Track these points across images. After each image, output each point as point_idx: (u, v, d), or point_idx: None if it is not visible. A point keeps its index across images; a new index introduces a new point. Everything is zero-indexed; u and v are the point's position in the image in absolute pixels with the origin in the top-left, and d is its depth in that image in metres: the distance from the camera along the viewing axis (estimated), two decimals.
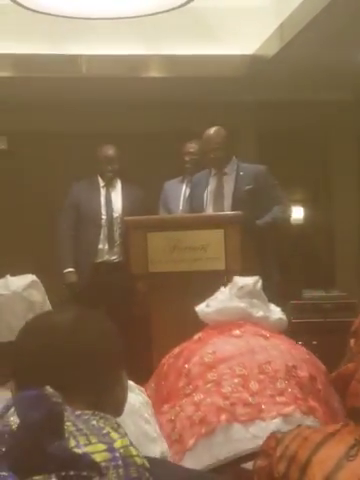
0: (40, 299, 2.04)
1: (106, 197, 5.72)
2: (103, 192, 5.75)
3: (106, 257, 5.61)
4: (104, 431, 0.97)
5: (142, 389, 1.90)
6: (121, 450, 0.93)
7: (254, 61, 6.24)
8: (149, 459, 1.08)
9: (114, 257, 5.60)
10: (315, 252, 7.42)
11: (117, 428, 1.00)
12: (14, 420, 0.92)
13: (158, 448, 1.73)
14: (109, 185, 5.75)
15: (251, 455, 1.73)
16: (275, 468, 1.47)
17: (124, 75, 6.33)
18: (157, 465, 1.13)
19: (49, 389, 1.02)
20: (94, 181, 5.81)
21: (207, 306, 3.25)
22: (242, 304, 3.06)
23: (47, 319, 1.41)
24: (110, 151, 5.81)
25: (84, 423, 0.98)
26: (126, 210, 5.54)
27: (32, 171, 7.02)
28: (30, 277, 2.42)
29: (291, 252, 6.82)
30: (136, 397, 1.79)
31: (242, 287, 3.14)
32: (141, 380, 2.85)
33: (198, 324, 3.31)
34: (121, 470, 0.91)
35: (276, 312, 3.17)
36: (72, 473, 0.87)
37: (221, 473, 1.73)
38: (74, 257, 5.61)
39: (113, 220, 5.62)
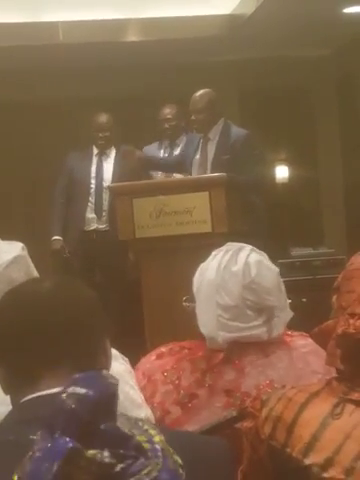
0: (22, 276, 1.97)
1: (97, 166, 5.69)
2: (95, 161, 5.71)
3: (95, 226, 5.60)
4: (144, 427, 1.01)
5: (126, 359, 1.89)
6: (160, 444, 0.97)
7: (232, 20, 6.21)
8: (163, 429, 1.10)
9: (103, 226, 5.59)
10: (302, 211, 7.42)
11: (154, 427, 1.03)
12: (73, 396, 0.95)
13: (143, 413, 1.73)
14: (102, 154, 5.71)
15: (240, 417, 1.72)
16: (261, 429, 1.48)
17: (102, 40, 6.29)
18: (170, 433, 1.14)
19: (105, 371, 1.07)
20: (88, 150, 5.76)
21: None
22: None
23: (25, 291, 1.37)
24: (101, 118, 5.74)
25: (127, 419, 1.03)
26: (116, 179, 5.51)
27: (12, 140, 7.00)
28: (15, 250, 2.34)
29: (278, 211, 6.82)
30: (120, 366, 1.79)
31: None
32: (133, 345, 2.85)
33: (186, 287, 3.30)
34: (160, 460, 0.94)
35: None
36: (121, 451, 0.92)
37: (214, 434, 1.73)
38: (63, 225, 5.59)
39: (102, 189, 5.59)
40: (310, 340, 1.90)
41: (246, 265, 2.03)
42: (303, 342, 2.05)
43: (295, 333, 2.11)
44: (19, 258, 2.16)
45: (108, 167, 5.68)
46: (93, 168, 5.69)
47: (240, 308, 2.01)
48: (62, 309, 1.31)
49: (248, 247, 2.11)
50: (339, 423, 1.41)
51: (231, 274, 2.03)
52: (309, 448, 1.41)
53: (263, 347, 2.03)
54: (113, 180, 5.52)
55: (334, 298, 1.55)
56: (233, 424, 1.75)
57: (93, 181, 5.64)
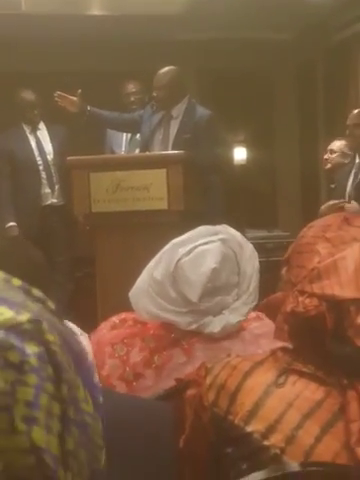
0: None
1: (36, 142, 5.65)
2: (32, 137, 5.67)
3: (50, 201, 5.58)
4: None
5: (85, 334, 1.88)
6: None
7: None
8: (107, 391, 1.06)
9: (57, 200, 5.58)
10: (258, 193, 7.45)
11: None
12: None
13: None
14: (35, 129, 5.67)
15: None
16: (205, 396, 1.49)
17: (64, 12, 6.22)
18: (114, 396, 1.13)
19: None
20: (20, 129, 5.69)
21: None
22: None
23: None
24: (30, 96, 5.67)
25: None
26: (56, 151, 5.52)
27: None
28: None
29: (235, 193, 6.84)
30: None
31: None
32: (87, 320, 2.83)
33: (141, 263, 3.30)
34: None
35: None
36: None
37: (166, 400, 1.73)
38: (15, 209, 5.53)
39: (48, 163, 5.57)
40: (264, 322, 1.91)
41: (192, 249, 2.00)
42: (257, 324, 2.02)
43: (252, 314, 2.05)
44: None
45: (45, 141, 5.65)
46: (33, 145, 5.65)
47: (165, 286, 1.99)
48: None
49: (223, 236, 2.05)
50: (282, 392, 1.43)
51: (175, 252, 2.02)
52: (251, 416, 1.42)
53: (215, 335, 1.99)
54: (54, 152, 5.51)
55: (284, 270, 1.56)
56: (177, 394, 1.75)
57: (38, 158, 5.60)
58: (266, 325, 1.78)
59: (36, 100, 5.65)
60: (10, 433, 0.61)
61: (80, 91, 4.93)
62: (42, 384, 0.63)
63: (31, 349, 0.64)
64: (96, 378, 0.77)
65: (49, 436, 0.63)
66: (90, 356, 1.89)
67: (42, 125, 5.68)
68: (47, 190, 5.57)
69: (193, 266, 1.97)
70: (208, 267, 1.97)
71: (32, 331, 0.65)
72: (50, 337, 0.65)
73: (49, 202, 5.58)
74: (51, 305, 0.77)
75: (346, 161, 5.36)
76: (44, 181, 5.56)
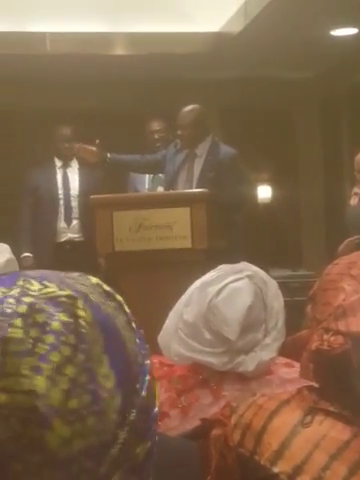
0: None
1: (63, 176, 5.75)
2: (60, 172, 5.76)
3: (68, 235, 5.63)
4: None
5: None
6: None
7: (219, 38, 6.27)
8: None
9: (76, 235, 5.63)
10: (282, 231, 7.45)
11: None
12: None
13: None
14: (66, 165, 5.74)
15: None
16: (230, 437, 1.48)
17: (89, 53, 6.32)
18: None
19: None
20: (50, 163, 5.81)
21: None
22: None
23: None
24: (67, 130, 5.79)
25: None
26: (84, 188, 5.58)
27: None
28: (5, 253, 2.37)
29: (259, 231, 6.84)
30: None
31: None
32: None
33: (164, 302, 3.30)
34: None
35: None
36: None
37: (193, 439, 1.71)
38: (33, 241, 5.59)
39: (70, 198, 5.64)
40: (294, 368, 1.88)
41: (223, 287, 1.98)
42: (286, 370, 1.99)
43: (282, 360, 2.04)
44: (11, 261, 2.21)
45: (73, 177, 5.74)
46: (59, 179, 5.74)
47: (198, 327, 1.96)
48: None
49: (249, 272, 2.03)
50: (309, 432, 1.42)
51: (206, 292, 1.99)
52: (278, 456, 1.41)
53: (245, 375, 1.97)
54: (80, 189, 5.58)
55: (309, 308, 1.56)
56: (202, 434, 1.74)
57: (60, 191, 5.70)
58: (295, 372, 1.75)
59: (70, 134, 5.74)
60: (16, 375, 0.65)
61: (98, 141, 4.98)
62: (58, 345, 0.67)
63: (58, 316, 0.69)
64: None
65: (52, 387, 0.66)
66: None
67: (75, 162, 5.75)
68: (63, 224, 5.63)
69: (228, 305, 1.96)
70: (244, 304, 1.96)
71: (67, 304, 0.71)
72: (82, 313, 0.70)
73: (67, 237, 5.64)
74: (125, 308, 0.83)
75: None
76: (61, 215, 5.63)
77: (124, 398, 0.72)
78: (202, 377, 2.00)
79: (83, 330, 0.69)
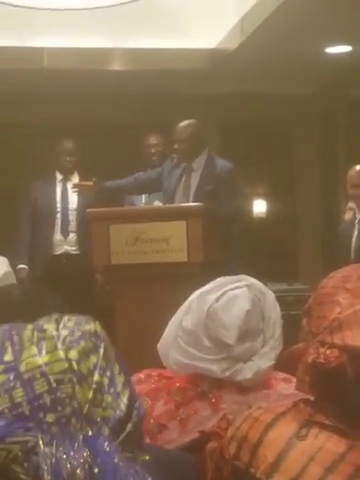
0: None
1: (62, 190, 5.77)
2: (60, 185, 5.79)
3: (65, 248, 5.64)
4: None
5: None
6: None
7: (216, 54, 6.29)
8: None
9: (72, 248, 5.63)
10: (278, 245, 7.45)
11: None
12: None
13: None
14: (66, 179, 5.76)
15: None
16: (226, 449, 1.48)
17: (87, 68, 6.35)
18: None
19: None
20: (51, 177, 5.84)
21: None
22: None
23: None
24: (68, 144, 5.83)
25: None
26: (82, 202, 5.59)
27: None
28: (3, 266, 2.40)
29: (255, 245, 6.85)
30: None
31: None
32: None
33: (161, 316, 3.30)
34: None
35: None
36: None
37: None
38: (29, 252, 5.61)
39: (68, 211, 5.66)
40: (292, 384, 1.88)
41: (222, 295, 1.98)
42: (285, 385, 1.99)
43: (280, 376, 2.04)
44: (8, 274, 2.24)
45: (73, 193, 5.73)
46: (58, 192, 5.77)
47: (197, 335, 1.96)
48: (26, 311, 1.34)
49: (247, 282, 2.04)
50: (304, 445, 1.42)
51: (204, 300, 1.99)
52: (273, 469, 1.41)
53: (242, 385, 1.97)
54: (79, 203, 5.60)
55: (304, 321, 1.55)
56: (200, 447, 1.73)
57: (59, 205, 5.73)
58: (293, 387, 1.76)
59: (71, 148, 5.78)
60: (54, 350, 0.80)
61: (95, 179, 5.11)
62: (86, 338, 0.85)
63: (87, 325, 0.89)
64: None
65: (82, 361, 0.81)
66: None
67: (75, 176, 5.77)
68: (60, 237, 5.64)
69: (226, 310, 1.97)
70: (242, 309, 1.97)
71: (91, 321, 0.90)
72: (100, 330, 0.90)
73: (63, 250, 5.64)
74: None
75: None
76: (58, 228, 5.64)
77: (130, 398, 0.85)
78: (201, 389, 1.99)
79: (102, 335, 0.86)
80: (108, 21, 5.75)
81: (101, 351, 0.84)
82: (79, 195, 5.67)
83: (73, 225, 5.66)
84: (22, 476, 0.69)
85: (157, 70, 6.37)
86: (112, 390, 0.82)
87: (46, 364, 0.77)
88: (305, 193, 7.73)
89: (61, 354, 0.79)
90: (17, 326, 0.83)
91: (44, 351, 0.79)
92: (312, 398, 1.49)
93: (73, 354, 0.80)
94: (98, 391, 0.80)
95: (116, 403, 0.82)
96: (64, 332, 0.83)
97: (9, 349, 0.79)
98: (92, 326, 0.87)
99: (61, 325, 0.84)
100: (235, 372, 1.96)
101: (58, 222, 5.68)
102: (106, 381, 0.82)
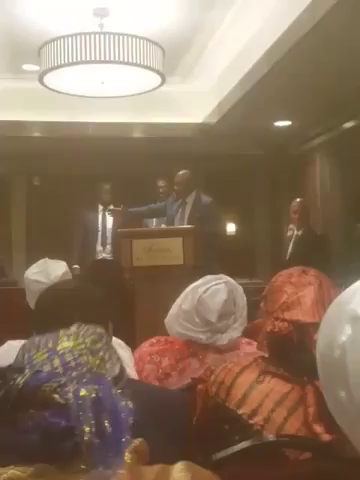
0: None
1: (102, 216, 5.76)
2: (101, 213, 5.78)
3: (103, 255, 5.63)
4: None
5: (129, 348, 1.86)
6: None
7: (202, 127, 6.29)
8: (132, 380, 1.10)
9: (108, 255, 5.63)
10: (243, 253, 7.43)
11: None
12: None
13: None
14: (105, 209, 5.76)
15: None
16: (209, 390, 1.47)
17: (117, 135, 6.34)
18: (137, 384, 1.13)
19: None
20: (95, 208, 5.82)
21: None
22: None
23: (59, 287, 1.42)
24: (106, 186, 5.83)
25: None
26: (115, 224, 5.57)
27: (57, 197, 7.04)
28: (62, 267, 2.36)
29: (227, 253, 6.82)
30: (124, 353, 1.77)
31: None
32: (127, 339, 2.79)
33: (166, 301, 3.28)
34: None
35: None
36: None
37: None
38: (81, 257, 5.61)
39: (106, 231, 5.66)
40: (252, 346, 1.87)
41: (208, 288, 1.97)
42: (248, 347, 1.97)
43: (245, 340, 2.03)
44: (66, 273, 2.23)
45: (109, 217, 5.73)
46: (99, 218, 5.75)
47: (191, 314, 1.95)
48: (79, 304, 1.32)
49: (225, 280, 2.03)
50: (261, 387, 1.41)
51: (196, 292, 1.99)
52: (241, 403, 1.40)
53: (220, 348, 1.95)
54: (113, 225, 5.60)
55: (262, 304, 1.55)
56: (192, 388, 1.72)
57: (100, 226, 5.71)
58: (253, 348, 1.75)
59: (108, 189, 5.79)
60: (76, 339, 0.90)
61: (122, 206, 5.09)
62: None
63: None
64: None
65: (93, 344, 0.89)
66: (131, 362, 1.87)
67: (111, 207, 5.74)
68: (100, 248, 5.64)
69: (211, 299, 1.96)
70: (221, 298, 1.97)
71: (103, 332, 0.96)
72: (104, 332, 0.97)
73: (102, 256, 5.63)
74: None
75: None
76: (99, 241, 5.64)
77: (121, 367, 0.96)
78: (192, 350, 1.98)
79: (103, 333, 0.94)
80: (131, 103, 5.76)
81: (103, 340, 0.92)
82: (113, 219, 5.66)
83: (109, 240, 5.64)
84: (59, 400, 0.73)
85: (163, 137, 6.37)
86: (110, 362, 0.90)
87: (72, 346, 0.86)
88: (260, 219, 7.73)
89: (80, 341, 0.87)
90: (56, 332, 0.91)
91: (71, 340, 0.87)
92: (267, 355, 1.48)
93: (87, 340, 0.88)
94: (102, 361, 0.87)
95: (112, 369, 0.90)
96: (82, 331, 0.91)
97: (51, 341, 0.87)
98: (98, 329, 0.94)
99: (80, 328, 0.91)
100: (216, 339, 1.96)
101: (99, 237, 5.67)
102: (107, 356, 0.90)
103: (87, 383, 0.76)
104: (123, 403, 0.76)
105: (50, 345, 0.85)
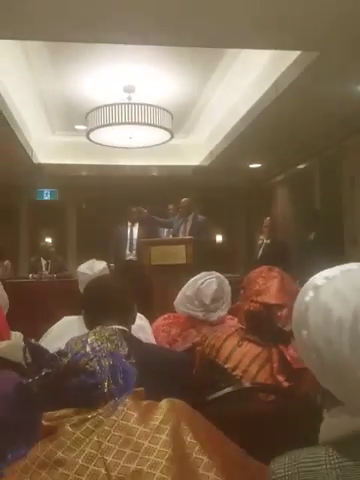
0: None
1: (130, 229, 5.75)
2: (129, 228, 5.76)
3: (130, 257, 5.63)
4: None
5: (147, 320, 1.85)
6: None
7: (198, 168, 6.28)
8: (151, 345, 1.11)
9: (134, 257, 5.62)
10: (227, 256, 7.39)
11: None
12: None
13: None
14: (132, 225, 5.76)
15: None
16: (205, 350, 1.47)
17: (141, 174, 6.36)
18: (155, 347, 1.13)
19: None
20: (125, 223, 5.81)
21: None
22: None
23: (101, 279, 1.42)
24: (133, 209, 5.81)
25: None
26: (139, 235, 5.57)
27: (99, 217, 7.04)
28: (103, 265, 2.36)
29: (216, 256, 6.78)
30: (144, 323, 1.76)
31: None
32: (147, 315, 2.77)
33: (175, 289, 3.26)
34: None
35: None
36: None
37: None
38: (115, 258, 5.60)
39: (133, 240, 5.66)
40: (234, 321, 1.83)
41: (204, 281, 1.96)
42: (231, 321, 1.94)
43: (229, 317, 2.00)
44: (105, 269, 2.21)
45: (136, 230, 5.72)
46: (128, 231, 5.74)
47: (192, 298, 1.94)
48: (114, 290, 1.32)
49: (216, 275, 2.01)
50: (241, 349, 1.40)
51: (195, 283, 1.97)
52: (227, 360, 1.39)
53: (212, 322, 1.93)
54: (138, 236, 5.58)
55: (241, 292, 1.54)
56: (193, 349, 1.71)
57: (128, 236, 5.68)
58: (235, 322, 1.74)
59: (135, 210, 5.73)
60: (101, 334, 0.92)
61: (146, 210, 5.05)
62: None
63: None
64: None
65: (110, 336, 0.90)
66: (150, 329, 1.86)
67: (136, 224, 5.72)
68: (128, 252, 5.64)
69: (206, 288, 1.95)
70: (213, 288, 1.96)
71: (117, 330, 0.98)
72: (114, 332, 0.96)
73: (130, 258, 5.63)
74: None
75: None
76: (127, 247, 5.64)
77: (129, 350, 0.92)
78: (193, 323, 1.96)
79: (117, 331, 0.94)
80: (150, 152, 5.71)
81: (116, 335, 0.92)
82: (138, 232, 5.66)
83: (134, 246, 5.62)
84: (89, 368, 0.81)
85: (171, 175, 6.39)
86: (122, 347, 0.90)
87: (96, 338, 0.89)
88: (240, 232, 7.70)
89: (102, 335, 0.90)
90: (86, 332, 0.94)
91: (96, 335, 0.90)
92: (244, 327, 1.48)
93: (106, 334, 0.90)
94: (117, 346, 0.89)
95: (124, 350, 0.90)
96: (102, 330, 0.92)
97: (83, 337, 0.90)
98: (113, 329, 0.95)
99: (104, 329, 0.92)
100: (209, 316, 1.94)
101: (128, 244, 5.65)
102: (119, 344, 0.90)
103: (106, 357, 0.84)
104: (130, 367, 0.85)
105: (83, 339, 0.90)
